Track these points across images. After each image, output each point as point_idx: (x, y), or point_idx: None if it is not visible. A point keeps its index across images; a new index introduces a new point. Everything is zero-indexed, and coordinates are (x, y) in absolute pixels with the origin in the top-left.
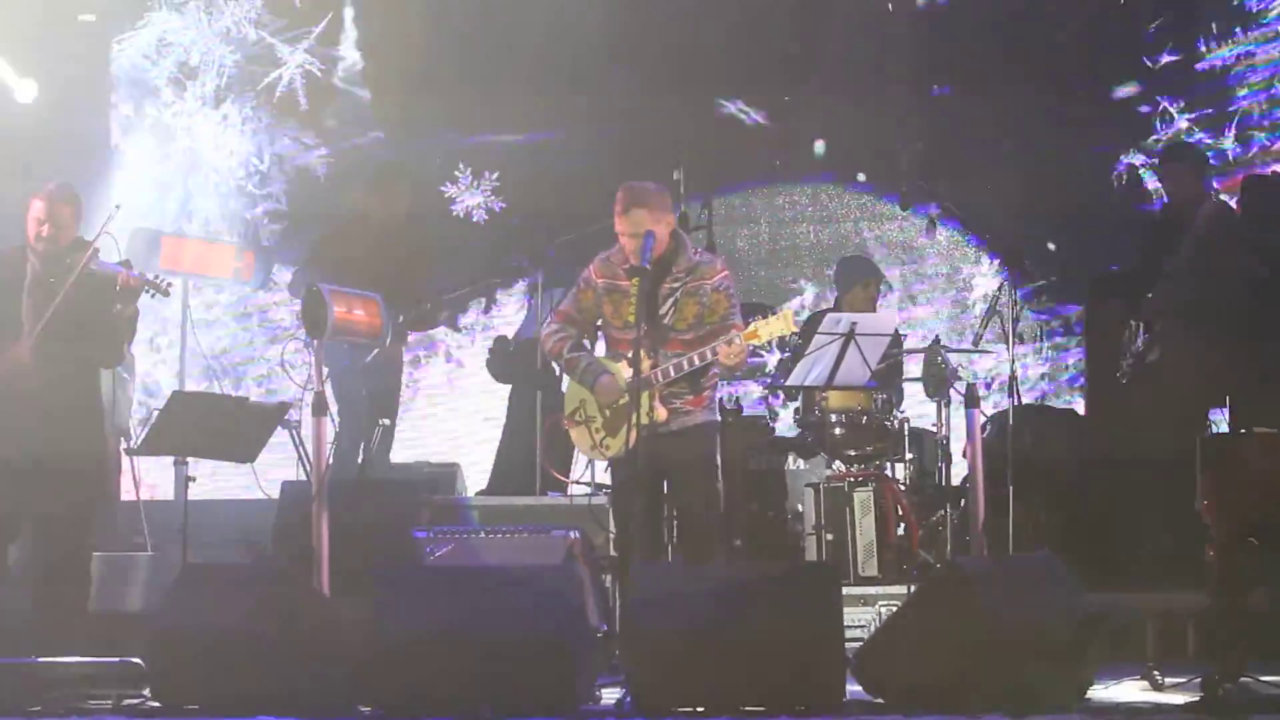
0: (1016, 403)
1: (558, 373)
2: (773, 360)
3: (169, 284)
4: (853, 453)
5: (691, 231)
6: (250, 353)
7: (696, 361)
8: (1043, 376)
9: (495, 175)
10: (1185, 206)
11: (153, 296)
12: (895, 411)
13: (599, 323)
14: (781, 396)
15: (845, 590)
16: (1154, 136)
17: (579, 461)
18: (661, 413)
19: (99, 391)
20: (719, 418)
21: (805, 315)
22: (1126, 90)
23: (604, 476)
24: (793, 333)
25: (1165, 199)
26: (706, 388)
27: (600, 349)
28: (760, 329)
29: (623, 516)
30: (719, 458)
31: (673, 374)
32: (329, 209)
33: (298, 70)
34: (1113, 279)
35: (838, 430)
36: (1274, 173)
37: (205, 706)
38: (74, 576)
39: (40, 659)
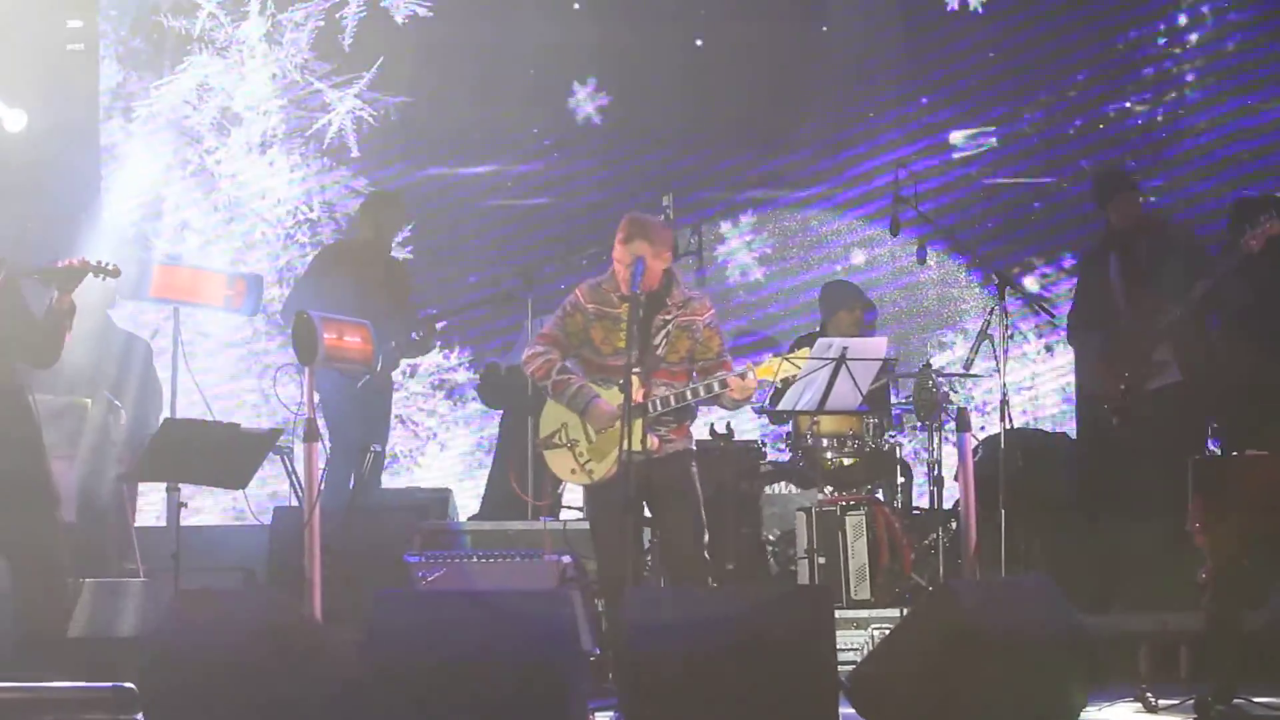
0: (1008, 426)
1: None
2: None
3: (115, 265)
4: (844, 477)
5: (681, 257)
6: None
7: (702, 393)
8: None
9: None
10: (1133, 229)
11: (104, 280)
12: (887, 435)
13: (582, 349)
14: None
15: (837, 613)
16: None
17: (571, 487)
18: (654, 442)
19: (28, 400)
20: (694, 446)
21: None
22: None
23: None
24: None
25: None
26: (689, 419)
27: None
28: (776, 365)
29: (606, 541)
30: (699, 483)
31: (673, 404)
32: None
33: (348, 115)
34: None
35: (829, 455)
36: (1262, 195)
37: None
38: (38, 603)
39: (33, 683)
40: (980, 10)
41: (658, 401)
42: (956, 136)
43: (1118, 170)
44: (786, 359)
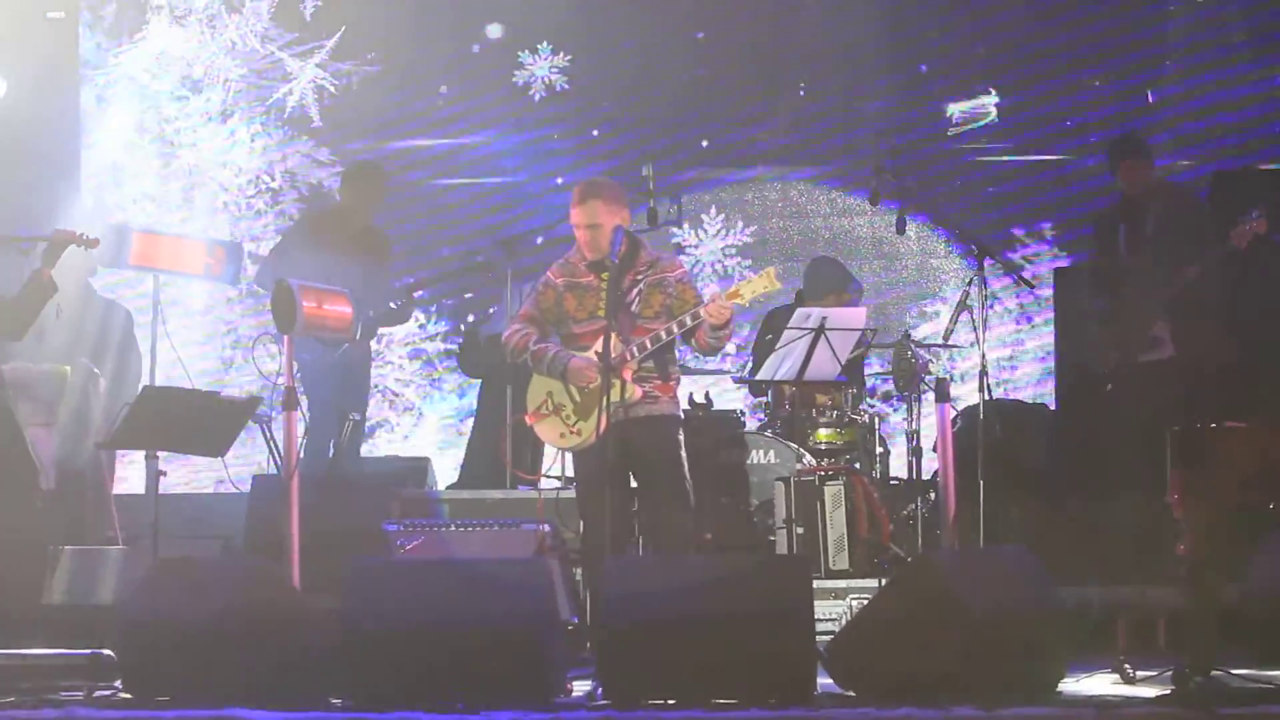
0: (987, 396)
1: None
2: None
3: (95, 237)
4: (823, 446)
5: (661, 226)
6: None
7: (676, 330)
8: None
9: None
10: (1143, 197)
11: (86, 250)
12: (863, 405)
13: (560, 325)
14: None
15: (816, 584)
16: None
17: (550, 456)
18: (636, 391)
19: None
20: (681, 414)
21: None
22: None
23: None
24: (776, 289)
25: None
26: (674, 376)
27: None
28: (743, 288)
29: (589, 509)
30: (684, 452)
31: (649, 346)
32: None
33: (309, 85)
34: (1076, 272)
35: (807, 425)
36: (1245, 167)
37: (176, 698)
38: (24, 564)
39: (11, 650)
40: None
41: (635, 348)
42: (953, 108)
43: (1131, 135)
44: (750, 281)
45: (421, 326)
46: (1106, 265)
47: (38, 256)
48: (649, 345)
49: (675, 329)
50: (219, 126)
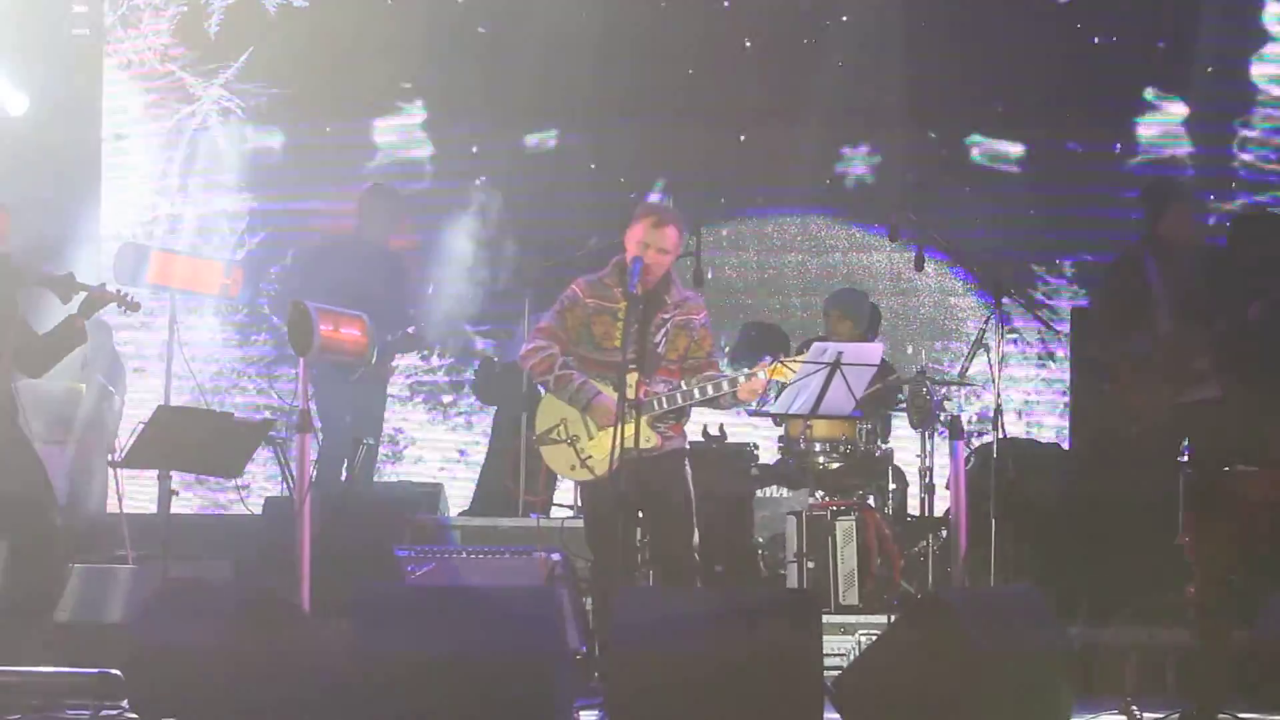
0: (1001, 435)
1: (541, 395)
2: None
3: (138, 301)
4: (835, 482)
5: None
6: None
7: (710, 392)
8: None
9: None
10: (1176, 240)
11: (124, 312)
12: (880, 442)
13: (580, 345)
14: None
15: (825, 619)
16: None
17: (562, 484)
18: (655, 438)
19: (15, 400)
20: (688, 445)
21: None
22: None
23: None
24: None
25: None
26: (685, 416)
27: None
28: (786, 366)
29: (598, 540)
30: (692, 484)
31: (680, 402)
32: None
33: (213, 107)
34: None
35: (821, 459)
36: (1264, 209)
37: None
38: (31, 585)
39: (19, 668)
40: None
41: (664, 399)
42: (976, 154)
43: (1174, 179)
44: (788, 363)
45: (424, 357)
46: (1135, 304)
47: (75, 301)
48: (680, 400)
49: (710, 390)
50: (113, 146)
